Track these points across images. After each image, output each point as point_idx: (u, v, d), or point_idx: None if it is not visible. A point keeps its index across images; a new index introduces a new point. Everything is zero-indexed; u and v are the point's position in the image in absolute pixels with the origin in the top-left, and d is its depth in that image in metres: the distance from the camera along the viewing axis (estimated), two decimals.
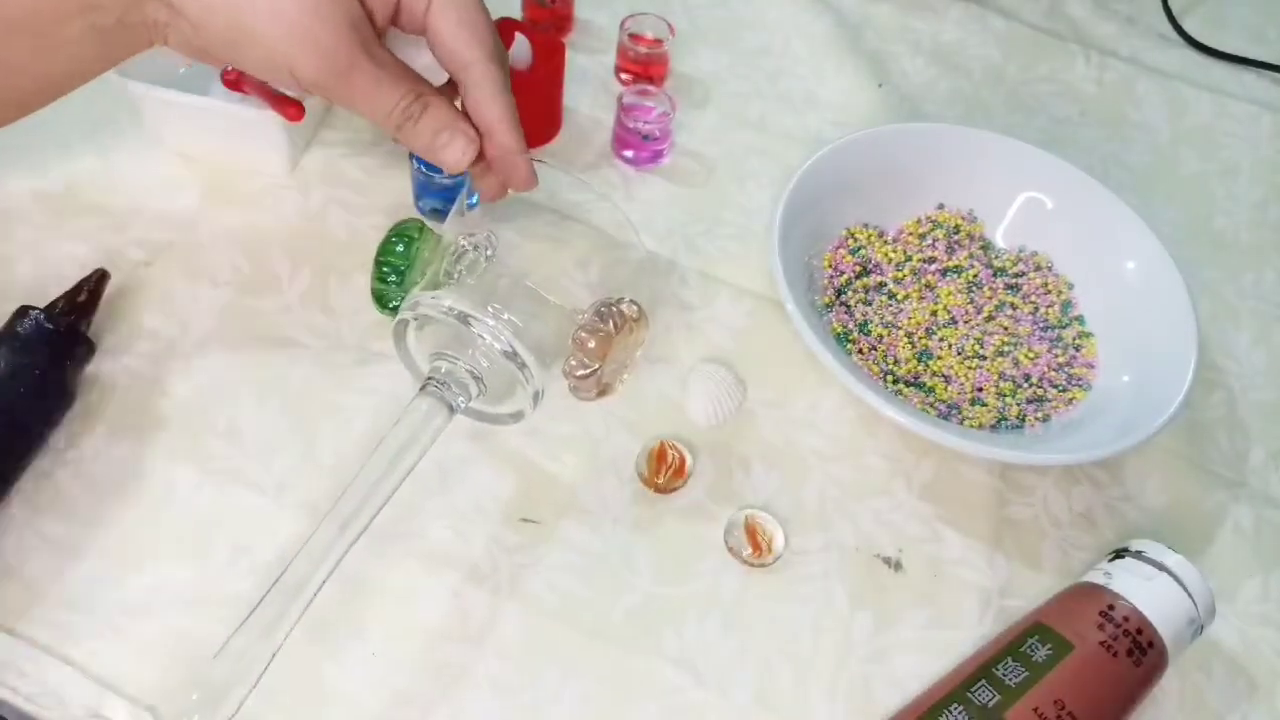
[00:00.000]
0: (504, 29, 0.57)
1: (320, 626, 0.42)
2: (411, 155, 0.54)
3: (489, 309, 0.42)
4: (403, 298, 0.46)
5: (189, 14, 0.35)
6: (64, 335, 0.45)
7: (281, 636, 0.37)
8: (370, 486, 0.40)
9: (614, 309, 0.45)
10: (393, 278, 0.49)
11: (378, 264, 0.49)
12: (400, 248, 0.49)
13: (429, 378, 0.43)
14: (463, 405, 0.43)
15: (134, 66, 0.52)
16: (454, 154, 0.39)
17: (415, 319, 0.43)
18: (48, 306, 0.45)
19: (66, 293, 0.46)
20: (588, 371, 0.45)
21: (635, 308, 0.46)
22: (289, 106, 0.51)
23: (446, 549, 0.45)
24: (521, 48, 0.56)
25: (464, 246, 0.45)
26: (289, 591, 0.38)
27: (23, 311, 0.44)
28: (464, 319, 0.42)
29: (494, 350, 0.42)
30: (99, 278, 0.47)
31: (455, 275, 0.44)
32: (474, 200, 0.53)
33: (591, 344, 0.44)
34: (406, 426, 0.42)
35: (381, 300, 0.50)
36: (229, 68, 0.56)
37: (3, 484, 0.43)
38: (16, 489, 0.44)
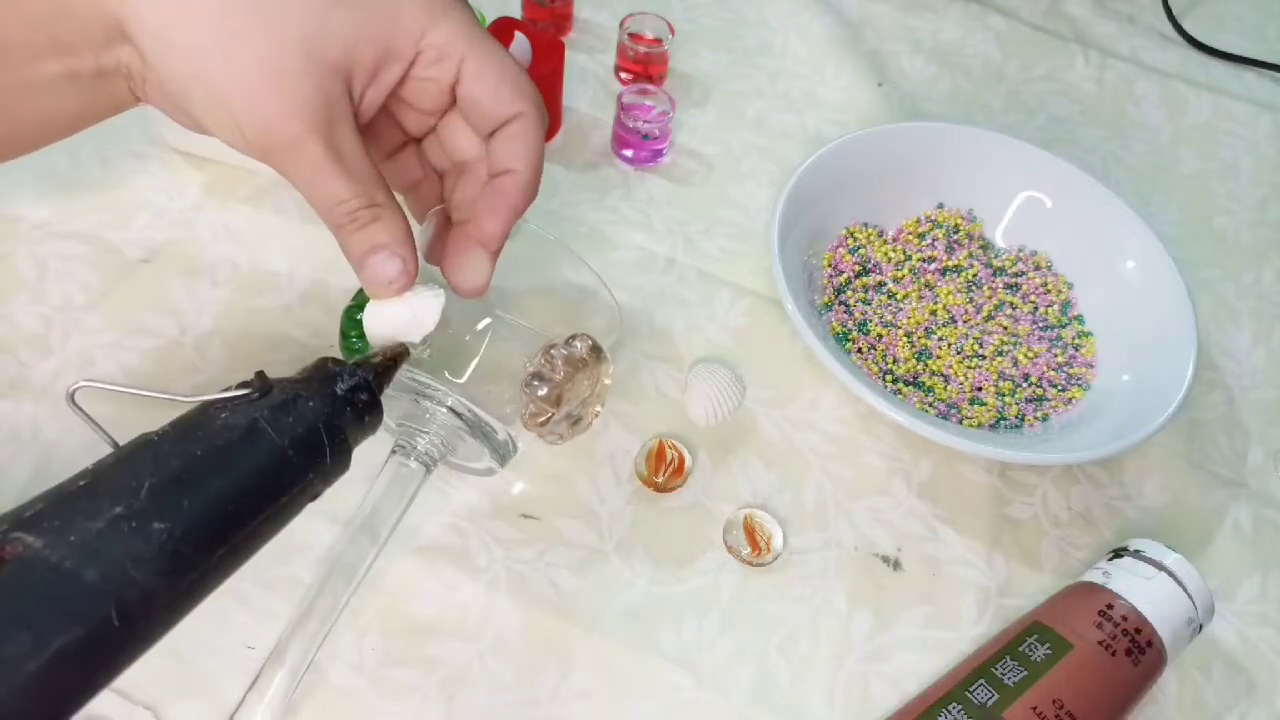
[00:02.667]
0: (503, 28, 0.57)
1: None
2: None
3: (443, 377, 0.41)
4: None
5: (148, 55, 0.33)
6: (371, 397, 0.36)
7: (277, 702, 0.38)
8: (352, 558, 0.40)
9: (559, 352, 0.42)
10: (359, 345, 0.44)
11: (344, 336, 0.45)
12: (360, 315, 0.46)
13: (398, 443, 0.42)
14: (436, 463, 0.42)
15: None
16: (384, 275, 0.36)
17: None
18: (361, 362, 0.37)
19: (385, 352, 0.38)
20: (542, 419, 0.42)
21: (588, 344, 0.43)
22: None
23: (445, 545, 0.45)
24: (521, 47, 0.56)
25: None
26: (280, 663, 0.38)
27: (338, 364, 0.36)
28: (415, 396, 0.41)
29: (450, 424, 0.41)
30: (403, 351, 0.39)
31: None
32: None
33: (542, 392, 0.42)
34: (384, 492, 0.41)
35: (356, 353, 0.47)
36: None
37: (276, 530, 0.34)
38: None
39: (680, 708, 0.43)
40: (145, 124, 0.56)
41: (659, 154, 0.61)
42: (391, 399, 0.41)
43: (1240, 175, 0.68)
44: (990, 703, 0.40)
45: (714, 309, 0.55)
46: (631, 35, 0.63)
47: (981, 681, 0.41)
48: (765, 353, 0.53)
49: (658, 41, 0.63)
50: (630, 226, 0.58)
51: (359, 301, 0.47)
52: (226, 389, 0.34)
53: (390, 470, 0.42)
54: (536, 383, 0.42)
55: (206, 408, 0.33)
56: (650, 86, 0.61)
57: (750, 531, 0.47)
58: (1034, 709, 0.40)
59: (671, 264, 0.56)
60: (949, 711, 0.41)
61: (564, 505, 0.47)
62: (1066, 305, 0.57)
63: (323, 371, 0.36)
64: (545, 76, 0.58)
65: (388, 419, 0.42)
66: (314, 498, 0.34)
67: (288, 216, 0.55)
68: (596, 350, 0.44)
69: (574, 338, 0.44)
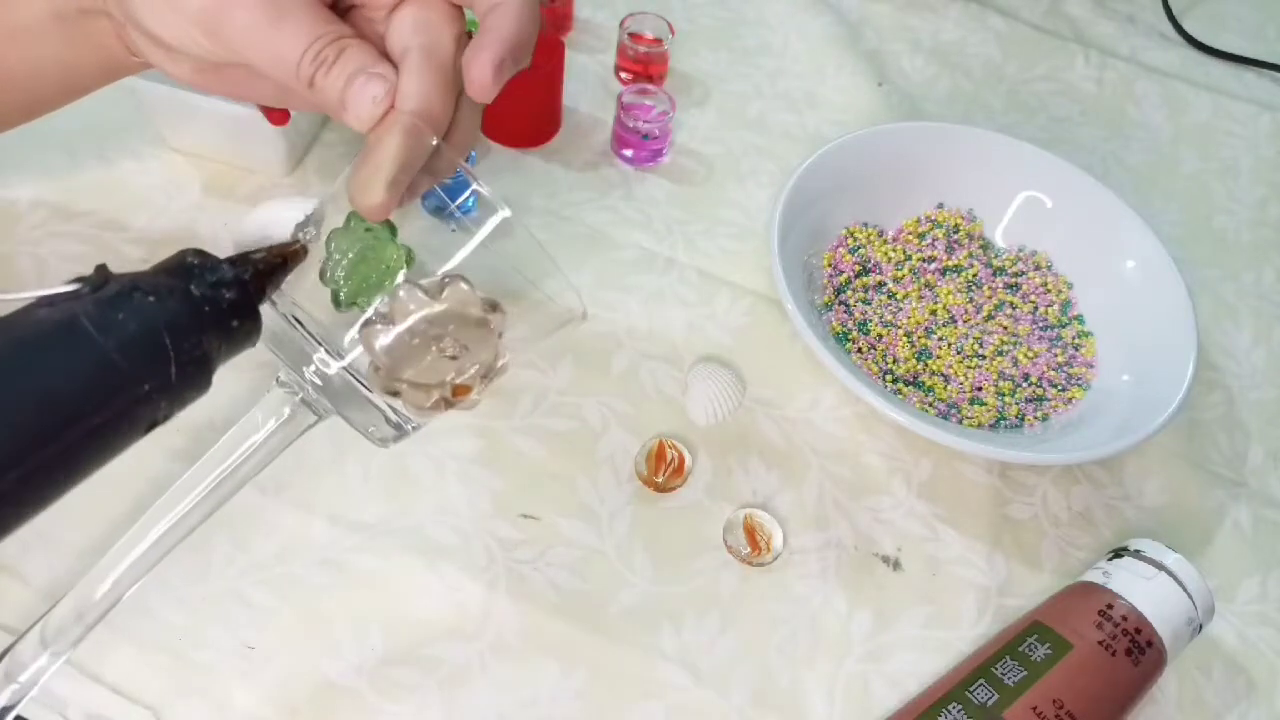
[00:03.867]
0: None
1: (319, 621, 0.42)
2: None
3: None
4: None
5: None
6: (241, 307, 0.31)
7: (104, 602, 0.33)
8: (188, 486, 0.34)
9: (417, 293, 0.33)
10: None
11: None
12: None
13: (282, 375, 0.34)
14: (326, 413, 0.35)
15: None
16: (369, 93, 0.32)
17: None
18: (236, 257, 0.31)
19: (271, 251, 0.33)
20: (428, 404, 0.34)
21: (464, 289, 0.34)
22: (273, 112, 0.51)
23: (445, 544, 0.45)
24: None
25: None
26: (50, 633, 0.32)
27: (200, 256, 0.30)
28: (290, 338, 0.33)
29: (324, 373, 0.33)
30: (303, 249, 0.35)
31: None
32: (469, 207, 0.50)
33: (376, 341, 0.33)
34: (257, 428, 0.34)
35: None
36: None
37: (99, 456, 0.29)
38: None
39: (680, 708, 0.43)
40: (145, 124, 0.56)
41: (659, 154, 0.60)
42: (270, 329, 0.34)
43: (1240, 175, 0.68)
44: (990, 703, 0.40)
45: (714, 309, 0.55)
46: (631, 35, 0.63)
47: (981, 681, 0.41)
48: (765, 353, 0.53)
49: (658, 41, 0.63)
50: (630, 226, 0.58)
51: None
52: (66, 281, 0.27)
53: (271, 401, 0.34)
54: (375, 328, 0.33)
55: (32, 305, 0.27)
56: (650, 86, 0.61)
57: (750, 531, 0.47)
58: (1034, 709, 0.40)
59: (671, 264, 0.56)
60: (949, 711, 0.41)
61: (564, 505, 0.47)
62: (1066, 305, 0.57)
63: (179, 264, 0.29)
64: (545, 76, 0.58)
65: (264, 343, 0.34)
66: (156, 422, 0.28)
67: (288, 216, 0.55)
68: (487, 307, 0.34)
69: (451, 280, 0.34)
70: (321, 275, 0.35)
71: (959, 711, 0.40)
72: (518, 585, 0.45)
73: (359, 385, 0.33)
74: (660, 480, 0.48)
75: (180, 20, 0.32)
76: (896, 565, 0.48)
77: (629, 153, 0.60)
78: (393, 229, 0.37)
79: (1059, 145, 0.66)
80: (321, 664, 0.42)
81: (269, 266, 0.31)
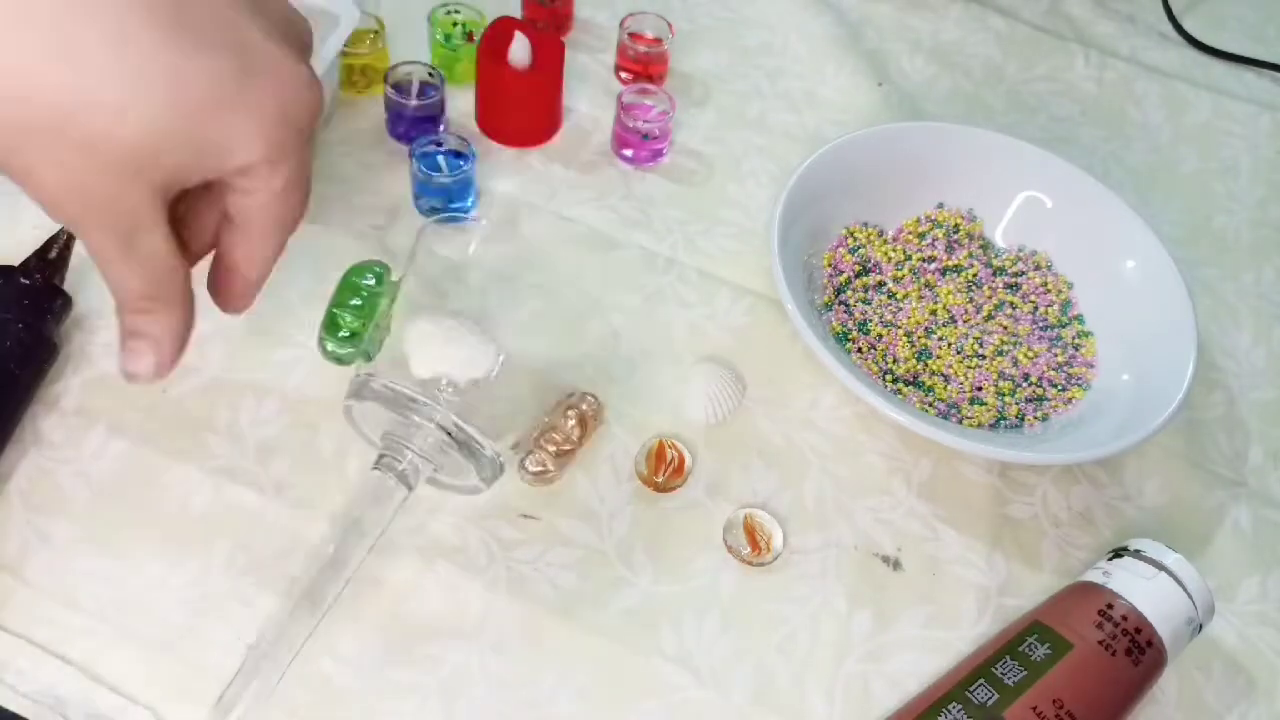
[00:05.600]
0: (503, 28, 0.57)
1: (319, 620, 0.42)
2: (411, 154, 0.54)
3: (434, 391, 0.41)
4: (362, 357, 0.45)
5: None
6: (41, 290, 0.46)
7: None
8: (332, 569, 0.39)
9: (575, 411, 0.46)
10: (346, 338, 0.47)
11: (331, 320, 0.47)
12: (357, 301, 0.46)
13: (381, 454, 0.41)
14: (418, 481, 0.42)
15: None
16: (131, 366, 0.36)
17: (360, 403, 0.42)
18: (20, 265, 0.46)
19: (37, 250, 0.47)
20: (543, 472, 0.46)
21: (594, 403, 0.48)
22: None
23: (445, 544, 0.45)
24: (521, 47, 0.56)
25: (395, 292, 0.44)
26: (250, 672, 0.37)
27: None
28: (401, 410, 0.40)
29: (442, 438, 0.41)
30: (68, 235, 0.48)
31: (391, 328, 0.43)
32: (469, 208, 0.53)
33: (553, 449, 0.46)
34: (363, 509, 0.40)
35: (337, 359, 0.48)
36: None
37: (1, 435, 0.44)
38: (14, 481, 0.44)
39: (680, 708, 0.43)
40: None
41: (659, 154, 0.60)
42: (377, 412, 0.41)
43: (1240, 175, 0.68)
44: (990, 702, 0.40)
45: (714, 309, 0.55)
46: (631, 35, 0.63)
47: (981, 681, 0.41)
48: (765, 352, 0.53)
49: (658, 41, 0.63)
50: (630, 226, 0.58)
51: (343, 301, 0.48)
52: None
53: (371, 485, 0.41)
54: (549, 442, 0.45)
55: None
56: (650, 86, 0.61)
57: (750, 531, 0.47)
58: (1034, 709, 0.40)
59: (671, 264, 0.56)
60: (949, 711, 0.41)
61: (564, 505, 0.47)
62: (1066, 305, 0.57)
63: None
64: (545, 76, 0.58)
65: (370, 434, 0.43)
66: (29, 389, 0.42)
67: None
68: (600, 410, 0.47)
69: (583, 395, 0.47)
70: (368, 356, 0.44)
71: (959, 711, 0.40)
72: (518, 585, 0.45)
73: (480, 444, 0.41)
74: (660, 480, 0.48)
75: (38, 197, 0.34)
76: (896, 565, 0.48)
77: (629, 152, 0.60)
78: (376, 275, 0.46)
79: (1059, 145, 0.66)
80: (321, 664, 0.42)
81: (44, 253, 0.46)
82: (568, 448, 0.46)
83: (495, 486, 0.44)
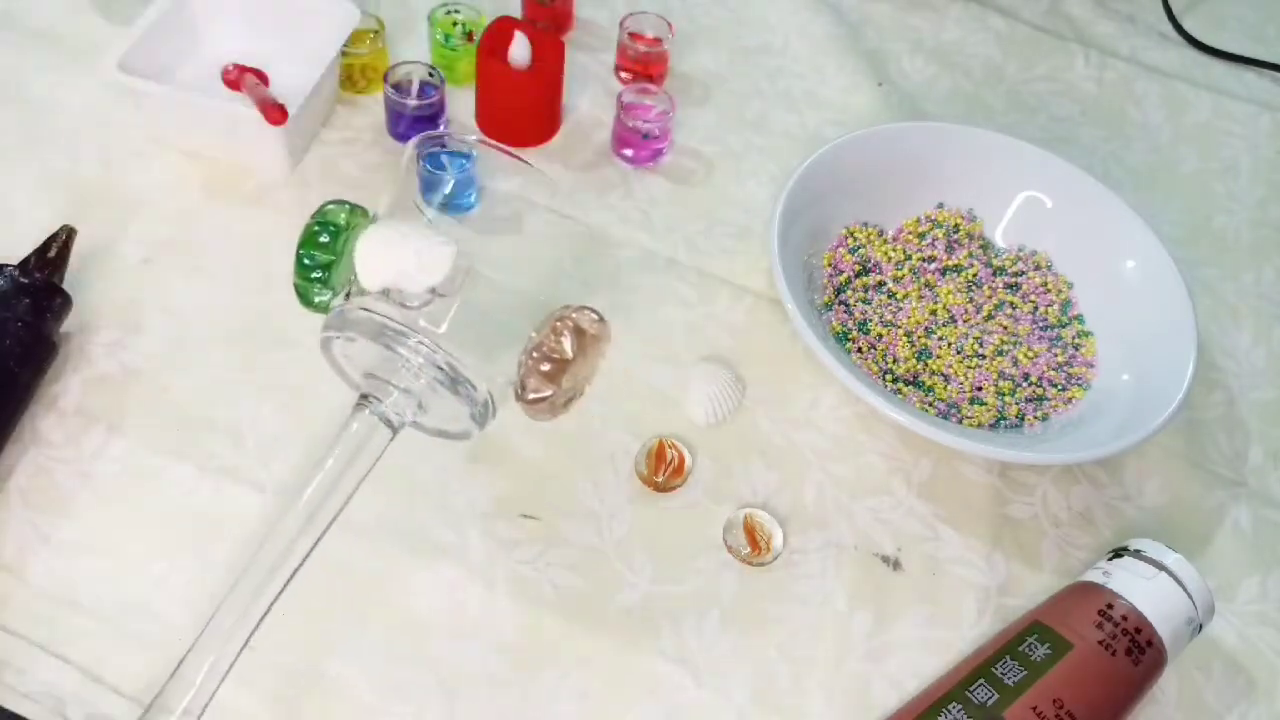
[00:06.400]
0: (503, 28, 0.57)
1: (319, 620, 0.42)
2: (418, 154, 0.54)
3: (420, 324, 0.38)
4: (330, 294, 0.41)
5: None
6: (40, 289, 0.46)
7: (231, 652, 0.36)
8: (311, 511, 0.37)
9: (569, 323, 0.40)
10: (316, 273, 0.42)
11: (299, 257, 0.43)
12: (324, 238, 0.42)
13: (362, 395, 0.39)
14: (404, 423, 0.39)
15: (136, 65, 0.52)
16: None
17: (339, 336, 0.39)
18: (20, 264, 0.46)
19: (36, 249, 0.47)
20: (540, 397, 0.41)
21: (594, 317, 0.42)
22: (272, 110, 0.51)
23: (445, 544, 0.45)
24: (521, 47, 0.56)
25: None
26: (236, 611, 0.36)
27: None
28: (387, 339, 0.37)
29: (425, 372, 0.38)
30: (67, 234, 0.48)
31: None
32: (470, 204, 0.52)
33: (546, 367, 0.40)
34: (345, 450, 0.38)
35: (305, 298, 0.44)
36: (229, 68, 0.56)
37: (1, 433, 0.44)
38: (13, 476, 0.44)
39: (680, 708, 0.43)
40: (145, 124, 0.56)
41: (659, 154, 0.60)
42: (359, 345, 0.38)
43: (1240, 175, 0.68)
44: (990, 702, 0.40)
45: (714, 309, 0.55)
46: (631, 34, 0.63)
47: (981, 681, 0.41)
48: (765, 352, 0.53)
49: (658, 41, 0.63)
50: (630, 226, 0.58)
51: (327, 219, 0.43)
52: None
53: (354, 425, 0.38)
54: (541, 359, 0.39)
55: None
56: (650, 86, 0.61)
57: (750, 531, 0.47)
58: (1034, 709, 0.40)
59: (671, 264, 0.56)
60: (949, 711, 0.41)
61: (564, 505, 0.47)
62: (1066, 305, 0.57)
63: None
64: (545, 76, 0.58)
65: (353, 372, 0.40)
66: (29, 387, 0.44)
67: (288, 215, 0.55)
68: (603, 323, 0.41)
69: (580, 309, 0.40)
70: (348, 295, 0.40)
71: (959, 711, 0.40)
72: (518, 585, 0.44)
73: (472, 382, 0.38)
74: (660, 480, 0.48)
75: None
76: (896, 565, 0.48)
77: (629, 152, 0.60)
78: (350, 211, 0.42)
79: (1059, 145, 0.66)
80: (322, 664, 0.42)
81: (44, 252, 0.47)
82: (558, 359, 0.40)
83: (497, 481, 0.43)
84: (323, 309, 0.44)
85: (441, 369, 0.37)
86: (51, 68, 0.59)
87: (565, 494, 0.47)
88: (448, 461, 0.47)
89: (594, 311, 0.41)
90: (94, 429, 0.46)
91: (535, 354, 0.40)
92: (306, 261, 0.42)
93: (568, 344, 0.40)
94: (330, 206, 0.43)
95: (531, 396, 0.41)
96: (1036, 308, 0.57)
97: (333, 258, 0.42)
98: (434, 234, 0.37)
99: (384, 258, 0.37)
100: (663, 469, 0.48)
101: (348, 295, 0.41)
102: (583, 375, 0.42)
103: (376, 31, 0.59)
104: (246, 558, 0.43)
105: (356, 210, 0.43)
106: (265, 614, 0.37)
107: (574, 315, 0.41)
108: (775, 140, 0.63)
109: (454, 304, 0.39)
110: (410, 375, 0.38)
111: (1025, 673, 0.41)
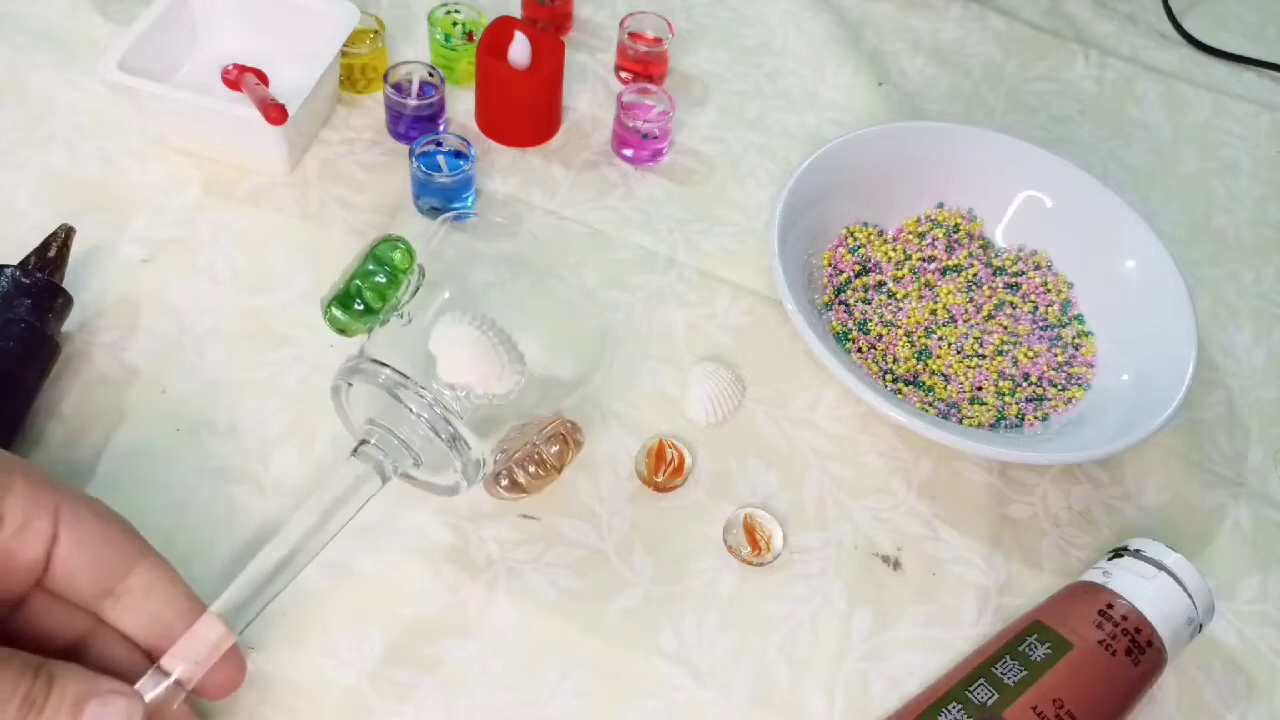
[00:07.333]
0: (503, 28, 0.57)
1: (319, 620, 0.42)
2: (411, 153, 0.54)
3: (428, 378, 0.39)
4: (359, 328, 0.42)
5: None
6: (41, 288, 0.46)
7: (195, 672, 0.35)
8: (292, 547, 0.37)
9: (560, 435, 0.45)
10: (358, 306, 0.43)
11: (351, 287, 0.43)
12: (381, 278, 0.43)
13: (362, 440, 0.40)
14: (396, 473, 0.40)
15: (136, 64, 0.52)
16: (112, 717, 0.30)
17: (350, 383, 0.41)
18: (20, 263, 0.46)
19: (36, 249, 0.47)
20: (515, 493, 0.46)
21: (575, 429, 0.47)
22: (272, 110, 0.51)
23: (445, 545, 0.45)
24: (521, 47, 0.56)
25: (420, 280, 0.42)
26: (200, 640, 0.35)
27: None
28: (394, 390, 0.39)
29: (424, 428, 0.39)
30: (66, 233, 0.48)
31: (403, 313, 0.42)
32: (467, 206, 0.52)
33: (532, 469, 0.45)
34: (331, 491, 0.39)
35: (341, 329, 0.44)
36: (229, 68, 0.56)
37: (6, 434, 0.44)
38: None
39: (680, 708, 0.43)
40: (145, 124, 0.56)
41: (659, 153, 0.60)
42: (367, 396, 0.40)
43: (1240, 175, 0.68)
44: (990, 702, 0.40)
45: (714, 309, 0.55)
46: (631, 34, 0.63)
47: (981, 681, 0.41)
48: (765, 352, 0.53)
49: (658, 41, 0.63)
50: (630, 226, 0.58)
51: (384, 260, 0.43)
52: None
53: (347, 469, 0.39)
54: (530, 461, 0.45)
55: None
56: (650, 86, 0.61)
57: (750, 531, 0.47)
58: (1034, 709, 0.40)
59: (671, 263, 0.56)
60: (949, 711, 0.41)
61: (564, 505, 0.47)
62: (1066, 305, 0.57)
63: None
64: (545, 76, 0.58)
65: (356, 417, 0.42)
66: (33, 389, 0.44)
67: (287, 215, 0.55)
68: (581, 440, 0.47)
69: (570, 423, 0.46)
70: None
71: (959, 711, 0.40)
72: (518, 585, 0.44)
73: (467, 441, 0.40)
74: (660, 480, 0.48)
75: None
76: (896, 565, 0.48)
77: (629, 152, 0.60)
78: (396, 248, 0.44)
79: (1059, 145, 0.66)
80: (321, 664, 0.42)
81: (44, 251, 0.47)
82: (546, 468, 0.46)
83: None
84: (343, 332, 0.44)
85: (440, 430, 0.39)
86: (51, 68, 0.59)
87: (565, 494, 0.47)
88: None
89: (572, 422, 0.47)
90: (94, 429, 0.46)
91: (528, 455, 0.45)
92: (353, 299, 0.43)
93: (557, 457, 0.46)
94: (384, 245, 0.44)
95: (505, 487, 0.46)
96: (1036, 308, 0.57)
97: (382, 303, 0.43)
98: (511, 350, 0.40)
99: (468, 361, 0.40)
100: (663, 469, 0.48)
101: (368, 331, 0.43)
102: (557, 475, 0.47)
103: (376, 31, 0.59)
104: (247, 558, 0.44)
105: (410, 254, 0.44)
106: (242, 630, 0.37)
107: (566, 428, 0.46)
108: (775, 140, 0.63)
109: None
110: (409, 429, 0.40)
111: (1025, 672, 0.41)
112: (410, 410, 0.39)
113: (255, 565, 0.37)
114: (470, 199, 0.56)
